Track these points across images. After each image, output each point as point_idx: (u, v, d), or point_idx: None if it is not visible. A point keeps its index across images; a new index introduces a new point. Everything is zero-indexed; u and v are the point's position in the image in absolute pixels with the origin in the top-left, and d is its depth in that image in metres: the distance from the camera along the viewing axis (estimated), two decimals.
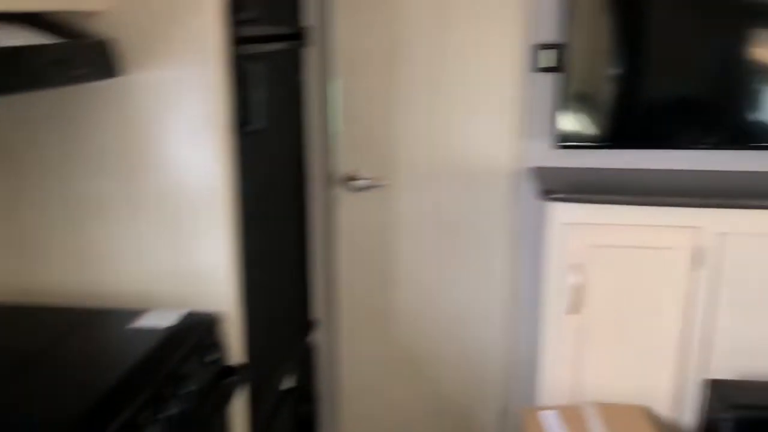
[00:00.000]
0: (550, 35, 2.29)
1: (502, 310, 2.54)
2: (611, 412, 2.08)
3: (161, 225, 1.52)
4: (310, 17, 2.27)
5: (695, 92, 2.23)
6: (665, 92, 2.24)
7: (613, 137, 2.28)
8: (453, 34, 2.33)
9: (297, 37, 2.12)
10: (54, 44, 1.27)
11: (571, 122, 2.26)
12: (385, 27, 2.34)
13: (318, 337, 2.50)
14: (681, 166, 2.34)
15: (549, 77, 2.32)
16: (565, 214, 2.06)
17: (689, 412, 2.14)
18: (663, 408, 2.14)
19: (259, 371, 1.74)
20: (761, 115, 2.18)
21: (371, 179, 2.44)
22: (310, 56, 2.28)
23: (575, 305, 2.09)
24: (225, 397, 1.47)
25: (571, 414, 2.08)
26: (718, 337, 2.08)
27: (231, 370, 1.50)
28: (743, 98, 2.19)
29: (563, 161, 2.39)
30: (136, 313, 1.46)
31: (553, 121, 2.32)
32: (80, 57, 1.31)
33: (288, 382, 2.05)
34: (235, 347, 1.56)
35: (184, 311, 1.48)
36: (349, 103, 2.40)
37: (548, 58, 2.30)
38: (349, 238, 2.52)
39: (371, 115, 2.41)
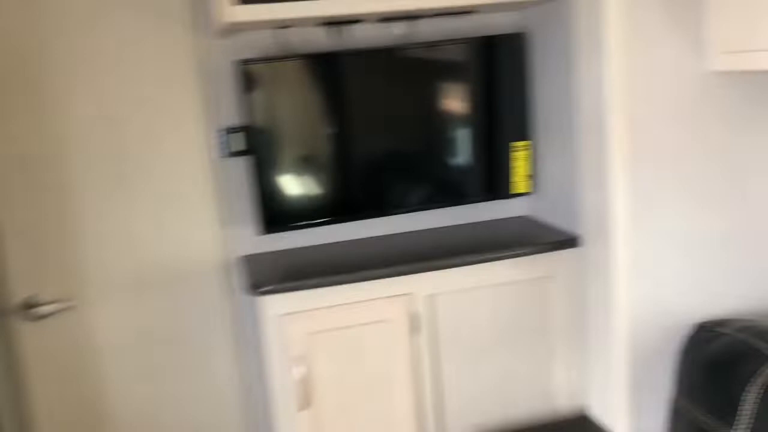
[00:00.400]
0: (237, 117, 2.18)
1: (236, 417, 2.31)
2: None
3: None
4: None
5: (392, 157, 2.27)
6: (360, 161, 2.24)
7: (319, 213, 2.22)
8: (130, 127, 2.11)
9: None
10: None
11: (273, 204, 2.15)
12: (42, 129, 2.04)
13: None
14: (393, 229, 2.36)
15: (242, 161, 2.20)
16: (277, 305, 1.92)
17: None
18: None
19: None
20: (457, 172, 2.29)
21: (56, 302, 2.08)
22: None
23: (305, 399, 1.95)
24: None
25: None
26: (448, 396, 2.08)
27: None
28: (439, 155, 2.27)
29: (273, 245, 2.27)
30: None
31: (254, 206, 2.19)
32: None
33: None
34: None
35: None
36: (10, 218, 2.04)
37: (238, 141, 2.18)
38: (43, 378, 2.11)
39: (41, 228, 2.07)
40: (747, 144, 1.89)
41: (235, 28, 2.07)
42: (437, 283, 2.03)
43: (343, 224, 2.31)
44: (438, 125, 2.25)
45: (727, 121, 1.86)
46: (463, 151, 2.28)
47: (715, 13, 1.77)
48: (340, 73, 2.15)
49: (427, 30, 2.28)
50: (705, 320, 1.82)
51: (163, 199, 2.17)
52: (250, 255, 2.24)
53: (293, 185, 2.17)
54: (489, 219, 2.44)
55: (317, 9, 1.87)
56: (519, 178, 2.32)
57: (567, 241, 2.10)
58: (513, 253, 2.06)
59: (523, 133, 2.30)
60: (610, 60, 1.78)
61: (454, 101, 2.25)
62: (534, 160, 2.34)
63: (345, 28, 2.22)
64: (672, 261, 1.90)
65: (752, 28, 1.66)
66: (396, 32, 2.24)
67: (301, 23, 2.11)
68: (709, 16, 1.79)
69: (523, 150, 2.30)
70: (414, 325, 2.02)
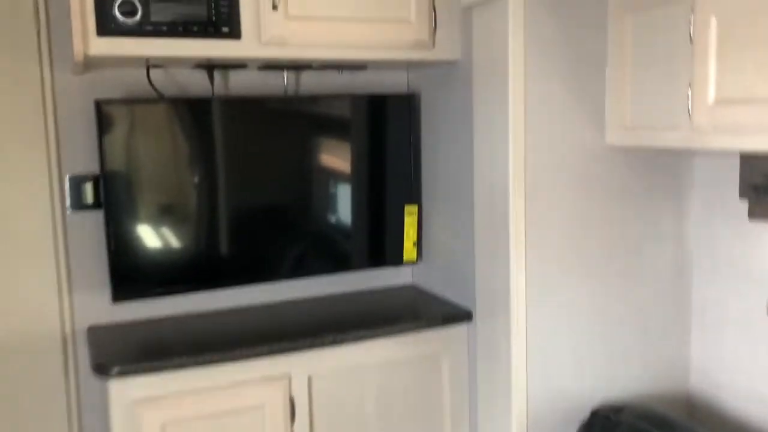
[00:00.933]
0: (93, 164, 1.88)
1: None
2: None
3: None
4: None
5: (267, 216, 2.04)
6: (231, 218, 2.00)
7: (183, 279, 1.94)
8: None
9: None
10: None
11: (128, 267, 1.86)
12: None
13: None
14: (268, 298, 2.12)
15: (95, 215, 1.89)
16: (129, 390, 1.62)
17: None
18: None
19: None
20: (340, 235, 2.10)
21: None
22: None
23: None
24: None
25: None
26: None
27: None
28: (320, 215, 2.08)
29: (128, 314, 1.96)
30: None
31: (106, 268, 1.87)
32: None
33: None
34: None
35: None
36: None
37: (90, 191, 1.88)
38: None
39: None
40: (643, 218, 1.85)
41: (97, 64, 1.81)
42: (317, 362, 1.81)
43: (210, 292, 2.04)
44: (320, 183, 2.07)
45: (624, 195, 1.82)
46: (346, 212, 2.10)
47: (612, 89, 1.74)
48: (212, 121, 1.93)
49: (312, 82, 2.12)
50: (602, 405, 1.72)
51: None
52: (100, 326, 1.92)
53: (153, 245, 1.89)
54: (373, 288, 2.26)
55: (188, 49, 1.66)
56: (408, 246, 2.17)
57: (457, 316, 1.96)
58: (400, 328, 1.89)
59: (410, 197, 2.16)
60: (509, 131, 1.69)
61: (338, 159, 2.08)
62: (421, 227, 2.21)
63: (224, 73, 2.01)
64: (568, 341, 1.81)
65: (645, 105, 1.63)
66: (278, 82, 2.06)
67: (174, 64, 1.87)
68: (608, 92, 1.75)
69: (410, 215, 2.16)
70: (291, 411, 1.77)
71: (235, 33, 1.68)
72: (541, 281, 1.76)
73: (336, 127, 2.08)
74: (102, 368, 1.61)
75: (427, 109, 2.15)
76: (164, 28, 1.62)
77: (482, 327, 1.89)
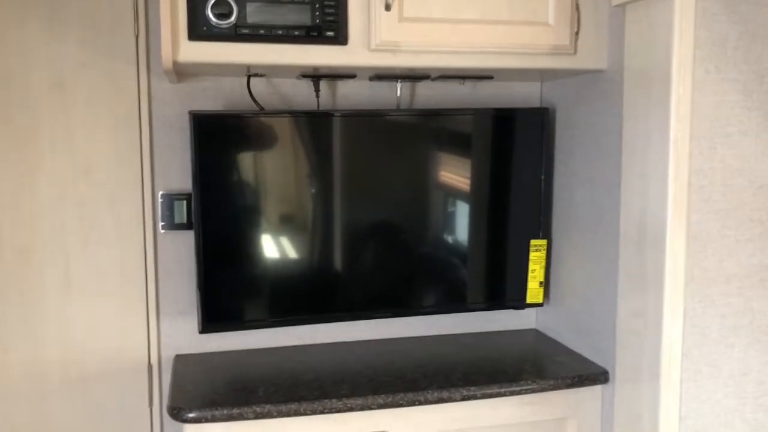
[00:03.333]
0: (183, 182, 1.73)
1: None
2: None
3: None
4: None
5: (378, 243, 1.81)
6: (339, 245, 1.78)
7: (279, 310, 1.75)
8: (40, 186, 1.66)
9: None
10: None
11: (220, 294, 1.69)
12: None
13: None
14: (371, 335, 1.89)
15: (187, 236, 1.74)
16: None
17: None
18: None
19: None
20: (457, 268, 1.83)
21: None
22: None
23: None
24: None
25: None
26: None
27: None
28: (435, 245, 1.82)
29: (219, 343, 1.79)
30: None
31: (198, 295, 1.71)
32: None
33: None
34: None
35: None
36: None
37: (182, 211, 1.73)
38: None
39: None
40: None
41: (190, 72, 1.65)
42: (420, 420, 1.54)
43: (305, 326, 1.83)
44: (435, 208, 1.81)
45: None
46: (463, 243, 1.83)
47: None
48: (317, 138, 1.71)
49: (429, 94, 1.86)
50: None
51: (87, 279, 1.70)
52: (189, 355, 1.76)
53: (248, 272, 1.70)
54: (489, 330, 1.97)
55: (288, 56, 1.45)
56: (533, 285, 1.86)
57: (591, 376, 1.63)
58: (521, 387, 1.59)
59: (539, 229, 1.85)
60: (669, 152, 1.35)
61: (457, 181, 1.81)
62: (549, 264, 1.89)
63: (331, 84, 1.80)
64: (733, 419, 1.43)
65: None
66: (391, 94, 1.82)
67: (276, 72, 1.68)
68: None
69: (537, 250, 1.85)
70: None
71: (341, 38, 1.46)
72: (704, 341, 1.40)
73: (456, 146, 1.81)
74: (178, 413, 1.43)
75: (563, 127, 1.83)
76: (262, 31, 1.42)
77: (621, 391, 1.55)
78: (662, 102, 1.36)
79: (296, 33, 1.44)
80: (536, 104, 1.94)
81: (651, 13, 1.38)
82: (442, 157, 1.80)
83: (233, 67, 1.56)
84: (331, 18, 1.45)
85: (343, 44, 1.47)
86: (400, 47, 1.49)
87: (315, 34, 1.45)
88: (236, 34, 1.41)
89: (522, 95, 1.93)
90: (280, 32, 1.43)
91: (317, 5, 1.44)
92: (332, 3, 1.45)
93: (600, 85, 1.65)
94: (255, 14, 1.42)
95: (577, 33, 1.58)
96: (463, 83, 1.83)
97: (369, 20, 1.47)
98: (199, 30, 1.40)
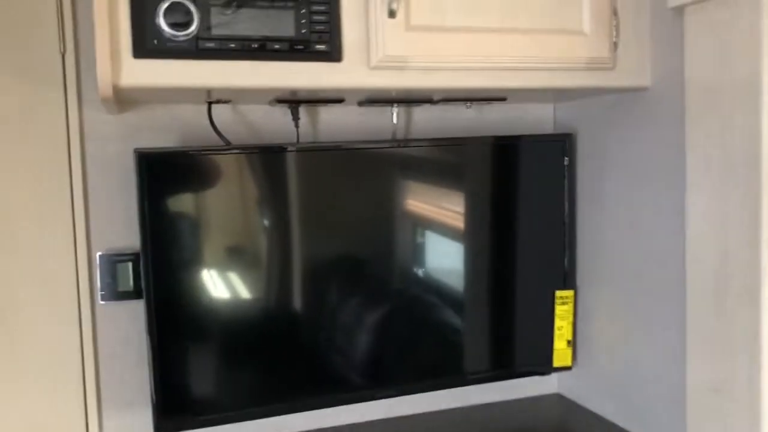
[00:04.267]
0: (128, 239, 1.37)
1: None
2: None
3: None
4: None
5: (364, 303, 1.47)
6: (312, 312, 1.44)
7: (257, 398, 1.39)
8: None
9: None
10: None
11: (182, 381, 1.32)
12: None
13: None
14: (362, 416, 1.55)
15: (136, 307, 1.37)
16: None
17: None
18: None
19: None
20: (464, 331, 1.51)
21: None
22: None
23: None
24: None
25: None
26: None
27: None
28: (435, 301, 1.49)
29: None
30: None
31: (149, 381, 1.34)
32: None
33: None
34: None
35: None
36: None
37: (128, 276, 1.36)
38: None
39: None
40: None
41: (137, 99, 1.30)
42: None
43: (282, 415, 1.48)
44: (434, 256, 1.49)
45: None
46: (475, 300, 1.51)
47: None
48: (303, 177, 1.37)
49: (427, 120, 1.56)
50: None
51: (7, 369, 1.31)
52: None
53: (211, 354, 1.35)
54: (508, 400, 1.66)
55: (267, 77, 1.11)
56: (560, 345, 1.56)
57: None
58: None
59: (564, 279, 1.56)
60: (761, 185, 1.07)
61: (463, 223, 1.50)
62: (576, 319, 1.60)
63: (311, 110, 1.47)
64: None
65: None
66: (383, 122, 1.51)
67: (246, 98, 1.35)
68: None
69: (564, 303, 1.56)
70: None
71: (334, 53, 1.13)
72: None
73: (464, 181, 1.50)
74: None
75: (586, 156, 1.55)
76: (232, 45, 1.08)
77: None
78: (748, 123, 1.08)
79: (276, 47, 1.11)
80: (549, 129, 1.66)
81: (728, 14, 1.11)
82: (448, 194, 1.49)
83: (191, 93, 1.22)
84: (320, 27, 1.12)
85: (336, 60, 1.14)
86: (408, 63, 1.17)
87: (300, 47, 1.12)
88: (197, 49, 1.07)
89: (533, 119, 1.64)
90: (255, 46, 1.09)
91: (303, 11, 1.11)
92: (322, 9, 1.12)
93: (640, 106, 1.37)
94: (222, 23, 1.08)
95: (615, 44, 1.30)
96: (470, 106, 1.52)
97: (368, 30, 1.15)
98: (148, 44, 1.05)
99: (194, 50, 1.07)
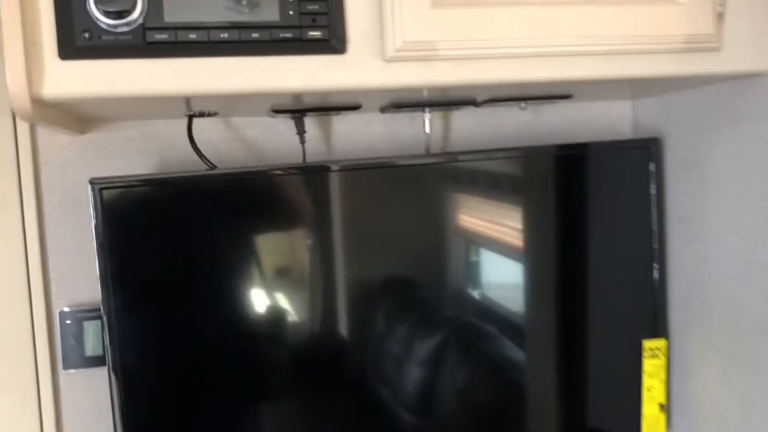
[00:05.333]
0: (95, 292, 1.09)
1: None
2: None
3: None
4: None
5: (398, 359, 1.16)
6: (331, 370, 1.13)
7: None
8: None
9: None
10: None
11: None
12: None
13: None
14: None
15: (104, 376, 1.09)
16: None
17: None
18: None
19: None
20: (525, 387, 1.17)
21: None
22: None
23: None
24: None
25: None
26: None
27: None
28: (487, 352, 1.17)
29: None
30: None
31: None
32: None
33: None
34: None
35: None
36: None
37: (94, 337, 1.09)
38: None
39: None
40: None
41: (89, 114, 1.03)
42: None
43: None
44: (486, 292, 1.16)
45: None
46: (538, 340, 1.18)
47: None
48: (312, 206, 1.08)
49: (474, 127, 1.24)
50: None
51: None
52: None
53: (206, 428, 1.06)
54: None
55: (242, 79, 0.82)
56: (650, 410, 1.21)
57: None
58: None
59: (655, 325, 1.21)
60: None
61: (521, 252, 1.17)
62: (671, 378, 1.24)
63: (322, 120, 1.18)
64: None
65: None
66: (414, 131, 1.20)
67: (236, 108, 1.06)
68: None
69: (654, 356, 1.21)
70: None
71: (335, 42, 0.83)
72: None
73: (517, 199, 1.17)
74: None
75: (679, 166, 1.19)
76: (192, 36, 0.80)
77: None
78: None
79: (255, 36, 0.81)
80: (627, 133, 1.32)
81: None
82: (502, 215, 1.16)
83: (160, 104, 0.94)
84: (314, 7, 0.82)
85: (338, 52, 0.84)
86: (437, 51, 0.86)
87: (288, 36, 0.82)
88: (145, 44, 0.78)
89: (606, 121, 1.30)
90: (224, 36, 0.80)
91: None
92: None
93: (754, 98, 1.02)
94: (178, 7, 0.79)
95: (720, 14, 0.96)
96: (525, 107, 1.19)
97: (381, 9, 0.85)
98: (77, 40, 0.77)
99: (140, 45, 0.78)
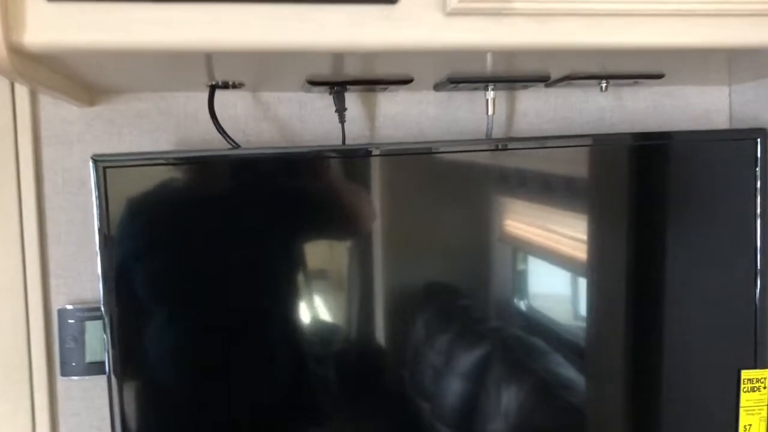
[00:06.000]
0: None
1: None
2: None
3: None
4: None
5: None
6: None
7: None
8: None
9: None
10: None
11: None
12: None
13: None
14: None
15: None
16: None
17: None
18: None
19: None
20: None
21: None
22: None
23: None
24: None
25: None
26: None
27: None
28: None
29: None
30: None
31: None
32: None
33: None
34: None
35: None
36: None
37: (98, 340, 0.95)
38: None
39: None
40: None
41: (102, 85, 0.88)
42: None
43: None
44: (550, 296, 0.98)
45: None
46: (599, 373, 0.99)
47: None
48: (352, 196, 0.92)
49: (542, 111, 1.06)
50: None
51: None
52: None
53: None
54: None
55: (271, 32, 0.65)
56: None
57: None
58: None
59: (755, 353, 1.01)
60: None
61: (589, 258, 0.98)
62: None
63: (366, 97, 1.01)
64: None
65: None
66: (473, 115, 1.02)
67: (265, 78, 0.90)
68: None
69: (756, 389, 1.01)
70: None
71: None
72: None
73: (582, 198, 0.99)
74: None
75: None
76: None
77: None
78: None
79: None
80: (723, 123, 1.12)
81: None
82: (567, 215, 0.98)
83: (170, 67, 0.79)
84: None
85: (389, 1, 0.67)
86: (513, 4, 0.68)
87: None
88: None
89: (699, 109, 1.11)
90: None
91: None
92: None
93: None
94: None
95: None
96: (605, 88, 1.01)
97: None
98: None
99: None
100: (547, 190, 0.96)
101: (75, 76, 0.83)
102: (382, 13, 0.68)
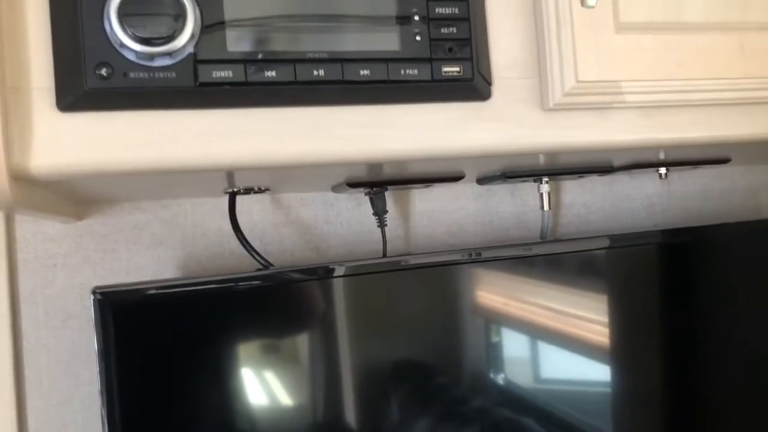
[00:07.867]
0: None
1: None
2: None
3: None
4: None
5: None
6: None
7: None
8: None
9: None
10: None
11: None
12: None
13: None
14: None
15: None
16: None
17: None
18: None
19: None
20: None
21: None
22: None
23: None
24: None
25: None
26: None
27: None
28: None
29: None
30: None
31: None
32: None
33: None
34: None
35: None
36: None
37: None
38: None
39: None
40: None
41: (94, 194, 0.73)
42: None
43: None
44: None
45: None
46: None
47: None
48: (380, 323, 0.77)
49: (590, 201, 0.96)
50: None
51: None
52: None
53: None
54: None
55: (357, 142, 0.53)
56: None
57: None
58: None
59: None
60: None
61: (610, 348, 0.86)
62: None
63: (399, 196, 0.89)
64: None
65: None
66: (523, 209, 0.91)
67: (295, 181, 0.76)
68: None
69: None
70: None
71: (478, 84, 0.55)
72: None
73: (600, 296, 0.88)
74: None
75: None
76: (270, 74, 0.51)
77: None
78: None
79: (365, 74, 0.53)
80: None
81: None
82: (583, 299, 0.86)
83: (193, 178, 0.64)
84: (449, 31, 0.54)
85: (480, 98, 0.56)
86: (623, 97, 0.58)
87: (413, 74, 0.54)
88: (197, 85, 0.49)
89: (746, 191, 1.03)
90: (320, 74, 0.52)
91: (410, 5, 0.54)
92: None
93: None
94: (246, 33, 0.51)
95: None
96: (665, 175, 0.91)
97: (538, 37, 0.57)
98: (88, 80, 0.47)
99: (190, 87, 0.49)
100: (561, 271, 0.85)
101: (68, 192, 0.67)
102: (475, 112, 0.56)
